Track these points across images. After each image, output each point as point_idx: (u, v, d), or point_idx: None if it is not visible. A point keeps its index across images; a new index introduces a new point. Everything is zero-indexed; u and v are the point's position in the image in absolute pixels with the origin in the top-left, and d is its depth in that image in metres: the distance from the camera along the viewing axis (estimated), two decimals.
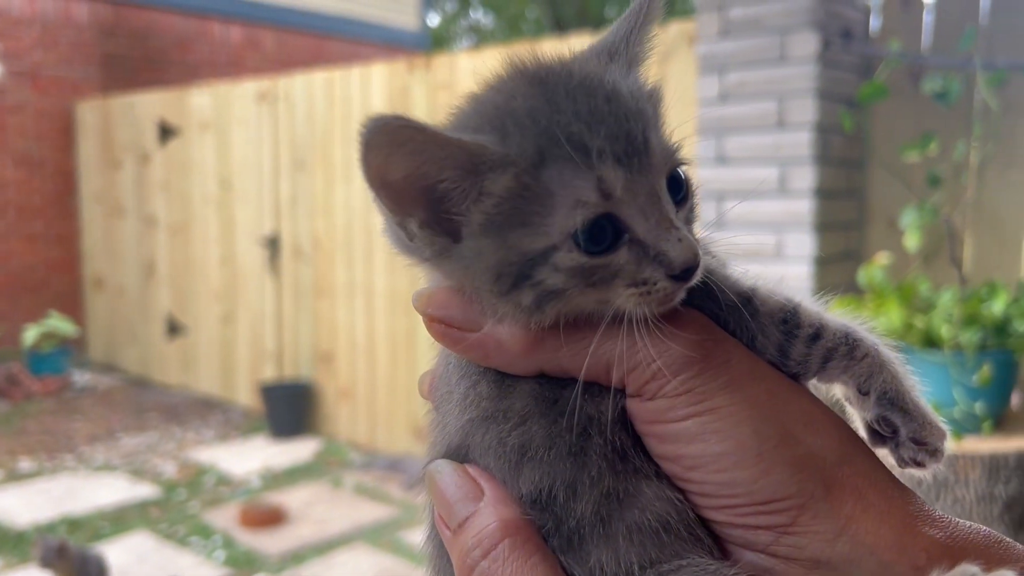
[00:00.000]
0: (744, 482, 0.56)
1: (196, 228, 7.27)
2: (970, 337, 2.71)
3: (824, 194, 3.25)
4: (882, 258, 3.02)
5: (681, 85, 3.85)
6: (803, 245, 3.24)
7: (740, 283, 0.63)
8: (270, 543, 4.48)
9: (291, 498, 5.04)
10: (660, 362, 0.58)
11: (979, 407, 2.76)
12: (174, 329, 7.58)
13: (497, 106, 0.59)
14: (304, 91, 6.25)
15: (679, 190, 0.60)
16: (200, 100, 7.13)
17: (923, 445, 0.62)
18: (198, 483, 5.36)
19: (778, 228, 3.26)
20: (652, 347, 0.58)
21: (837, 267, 3.38)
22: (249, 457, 5.81)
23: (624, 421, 0.60)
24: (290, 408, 6.26)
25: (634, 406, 0.59)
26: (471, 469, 0.61)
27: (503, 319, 0.59)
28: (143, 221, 7.83)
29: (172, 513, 4.89)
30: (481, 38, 23.55)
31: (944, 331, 2.76)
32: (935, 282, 3.05)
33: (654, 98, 0.61)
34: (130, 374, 8.09)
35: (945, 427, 0.62)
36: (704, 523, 0.59)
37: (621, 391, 0.59)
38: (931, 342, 2.82)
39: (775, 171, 3.26)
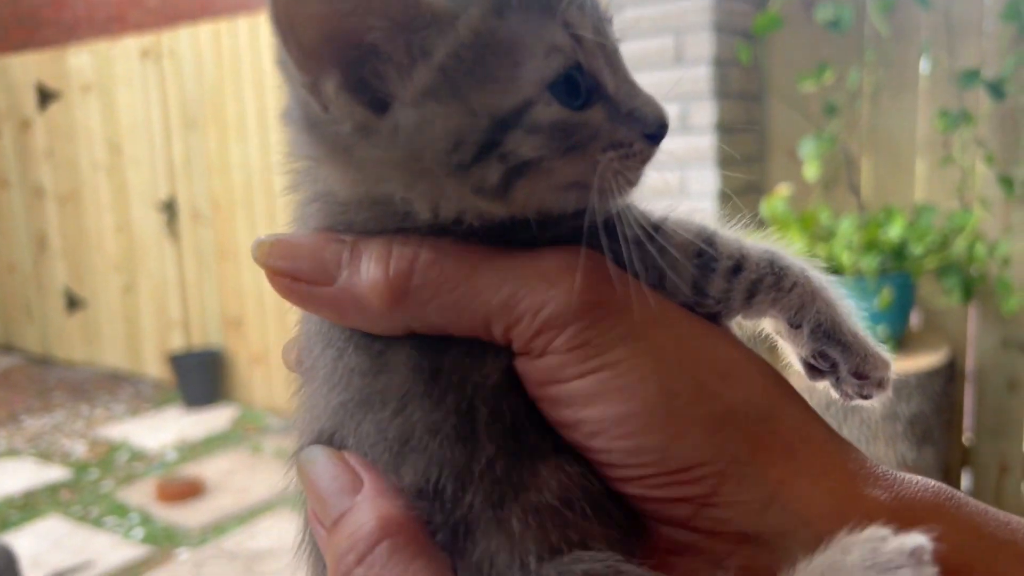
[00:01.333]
0: (654, 448, 0.48)
1: (87, 196, 6.93)
2: (870, 262, 2.77)
3: (725, 128, 3.25)
4: (783, 190, 3.06)
5: None
6: (706, 181, 3.25)
7: (645, 215, 0.54)
8: (190, 516, 4.38)
9: (209, 469, 4.93)
10: (547, 311, 0.49)
11: (881, 330, 2.84)
12: (73, 303, 7.26)
13: None
14: (190, 46, 5.96)
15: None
16: (80, 60, 6.75)
17: (866, 379, 0.56)
18: (110, 461, 5.19)
19: (681, 165, 3.26)
20: (537, 294, 0.49)
21: (740, 201, 3.40)
22: (163, 430, 5.65)
23: (514, 384, 0.51)
24: (202, 377, 6.09)
25: (522, 366, 0.51)
26: (349, 457, 0.52)
27: (460, 207, 0.50)
28: (30, 192, 7.43)
29: (85, 494, 4.72)
30: None
31: (845, 258, 2.82)
32: (835, 210, 3.10)
33: None
34: (30, 353, 7.74)
35: (888, 356, 0.56)
36: (616, 497, 0.51)
37: (508, 348, 0.51)
38: (833, 269, 2.87)
39: (676, 108, 3.25)
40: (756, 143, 3.53)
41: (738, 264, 0.54)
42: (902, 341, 2.99)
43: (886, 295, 2.75)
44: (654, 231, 0.53)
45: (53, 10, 9.13)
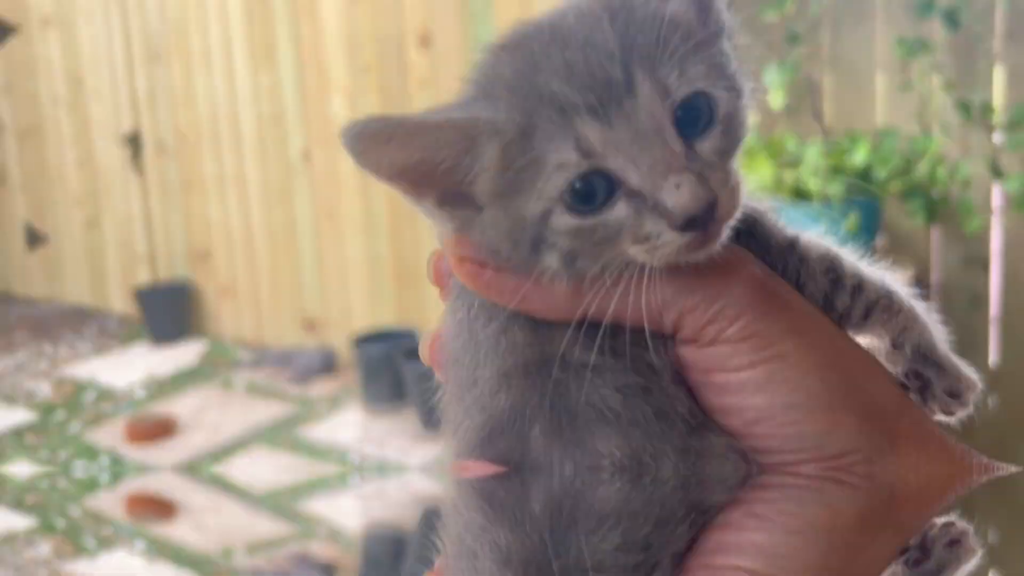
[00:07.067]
0: (813, 435, 0.54)
1: (48, 131, 6.80)
2: (836, 187, 2.83)
3: None
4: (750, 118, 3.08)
5: None
6: None
7: (783, 228, 0.61)
8: (162, 456, 4.34)
9: (180, 406, 4.91)
10: (721, 301, 0.53)
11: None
12: (34, 239, 7.16)
13: (486, 74, 0.58)
14: None
15: (697, 119, 0.54)
16: None
17: (957, 397, 0.62)
18: (77, 401, 5.14)
19: None
20: (711, 285, 0.53)
21: None
22: (130, 367, 5.61)
23: (674, 371, 0.56)
24: (169, 311, 6.06)
25: (689, 353, 0.55)
26: None
27: (539, 278, 0.55)
28: None
29: (51, 437, 4.65)
30: None
31: (812, 184, 2.87)
32: (800, 137, 3.15)
33: (666, 22, 0.54)
34: None
35: (976, 378, 0.62)
36: None
37: (671, 337, 0.55)
38: (800, 195, 2.93)
39: None
40: None
41: (860, 284, 0.60)
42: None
43: (853, 219, 2.80)
44: (792, 246, 0.60)
45: None
